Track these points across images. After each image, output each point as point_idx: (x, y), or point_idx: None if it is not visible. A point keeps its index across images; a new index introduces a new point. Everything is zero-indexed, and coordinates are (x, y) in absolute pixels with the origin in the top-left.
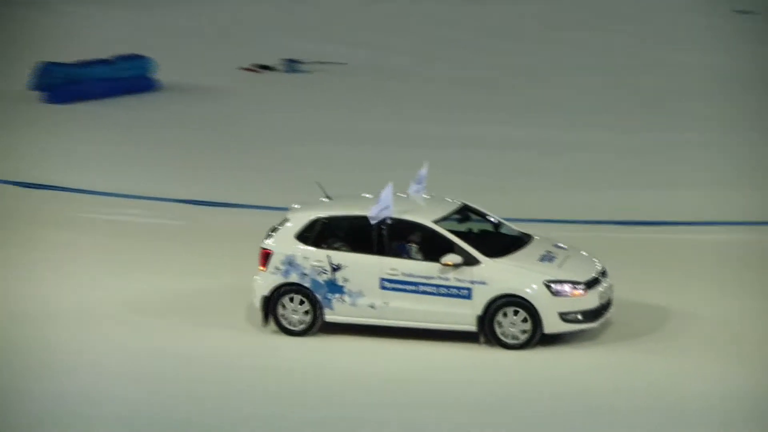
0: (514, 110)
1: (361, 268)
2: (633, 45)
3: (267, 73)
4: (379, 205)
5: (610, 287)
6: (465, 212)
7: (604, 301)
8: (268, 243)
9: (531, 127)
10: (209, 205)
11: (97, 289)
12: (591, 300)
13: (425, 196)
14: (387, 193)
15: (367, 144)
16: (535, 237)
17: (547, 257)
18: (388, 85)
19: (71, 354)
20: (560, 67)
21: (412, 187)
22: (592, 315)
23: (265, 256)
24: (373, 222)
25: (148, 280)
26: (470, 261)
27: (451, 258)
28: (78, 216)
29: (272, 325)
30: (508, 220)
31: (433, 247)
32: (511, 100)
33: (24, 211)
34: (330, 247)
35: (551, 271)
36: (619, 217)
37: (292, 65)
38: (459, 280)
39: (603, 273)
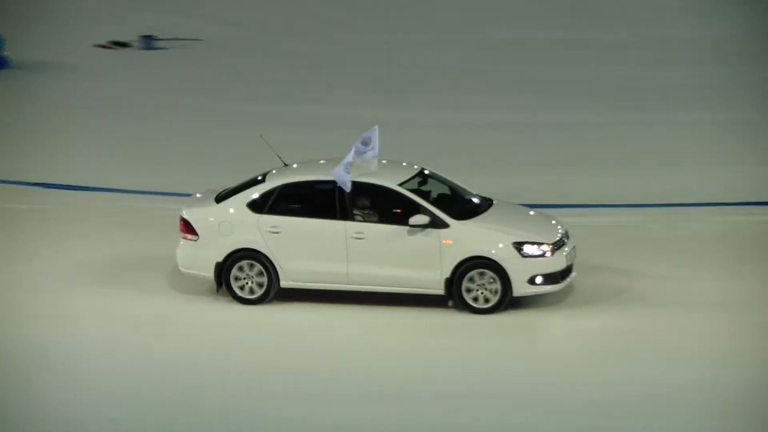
0: (381, 88)
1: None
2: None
3: (123, 50)
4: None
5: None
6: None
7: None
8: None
9: (397, 106)
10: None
11: None
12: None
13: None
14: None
15: (221, 123)
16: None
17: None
18: (246, 61)
19: None
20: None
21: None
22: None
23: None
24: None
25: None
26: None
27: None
28: None
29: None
30: None
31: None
32: (379, 78)
33: None
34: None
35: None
36: None
37: (148, 42)
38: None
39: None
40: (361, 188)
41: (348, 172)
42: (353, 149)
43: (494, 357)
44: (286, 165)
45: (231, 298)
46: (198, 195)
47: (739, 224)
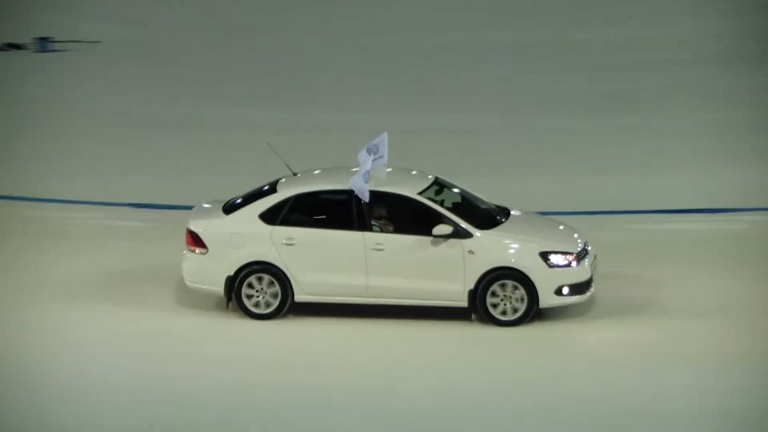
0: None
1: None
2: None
3: (17, 53)
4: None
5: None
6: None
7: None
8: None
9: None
10: None
11: None
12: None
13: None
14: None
15: (120, 126)
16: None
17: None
18: (144, 63)
19: None
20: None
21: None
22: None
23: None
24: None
25: None
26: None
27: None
28: None
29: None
30: None
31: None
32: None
33: None
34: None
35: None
36: None
37: (44, 44)
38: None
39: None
40: (379, 198)
41: (366, 182)
42: (370, 158)
43: (503, 369)
44: (295, 174)
45: (241, 313)
46: (205, 206)
47: (718, 230)
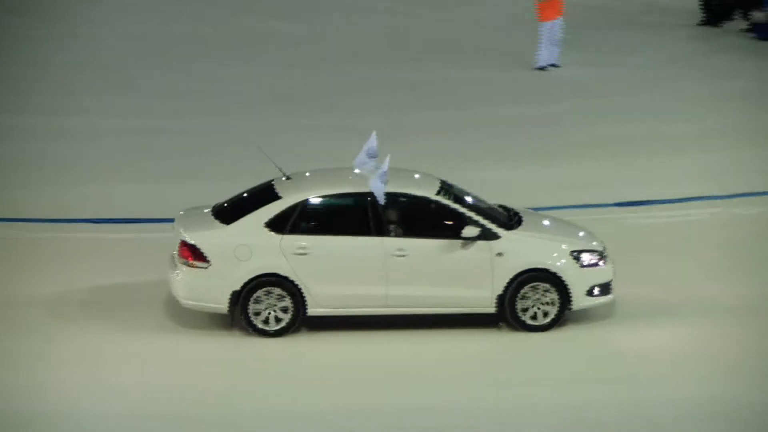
0: None
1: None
2: None
3: None
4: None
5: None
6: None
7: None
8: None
9: None
10: None
11: None
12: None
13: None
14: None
15: None
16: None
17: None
18: None
19: None
20: None
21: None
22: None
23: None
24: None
25: None
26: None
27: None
28: None
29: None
30: None
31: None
32: None
33: None
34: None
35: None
36: None
37: None
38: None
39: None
40: (395, 200)
41: (384, 183)
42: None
43: (539, 379)
44: (288, 178)
45: (246, 331)
46: (181, 213)
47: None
